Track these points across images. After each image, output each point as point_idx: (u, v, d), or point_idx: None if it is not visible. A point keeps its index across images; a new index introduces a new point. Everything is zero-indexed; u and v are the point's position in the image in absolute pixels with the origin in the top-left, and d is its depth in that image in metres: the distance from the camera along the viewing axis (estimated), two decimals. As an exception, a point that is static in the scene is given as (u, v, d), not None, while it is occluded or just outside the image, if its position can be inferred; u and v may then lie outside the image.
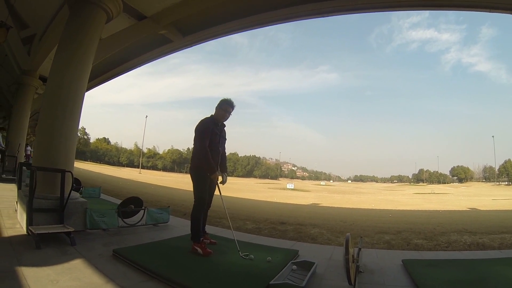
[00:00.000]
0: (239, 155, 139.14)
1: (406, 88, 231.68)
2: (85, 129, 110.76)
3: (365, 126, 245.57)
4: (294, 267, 3.49)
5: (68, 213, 4.50)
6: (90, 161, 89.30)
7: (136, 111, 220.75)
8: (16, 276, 2.74)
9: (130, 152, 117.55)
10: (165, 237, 4.69)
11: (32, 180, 4.26)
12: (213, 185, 4.39)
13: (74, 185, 8.60)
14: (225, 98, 4.43)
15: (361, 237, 4.29)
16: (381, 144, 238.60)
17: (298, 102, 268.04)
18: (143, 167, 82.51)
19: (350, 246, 2.99)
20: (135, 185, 22.06)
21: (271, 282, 2.99)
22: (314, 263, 3.55)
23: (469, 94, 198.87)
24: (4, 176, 9.88)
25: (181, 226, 5.58)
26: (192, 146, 4.44)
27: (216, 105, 4.43)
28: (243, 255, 3.82)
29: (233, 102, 4.45)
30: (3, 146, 11.69)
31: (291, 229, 6.85)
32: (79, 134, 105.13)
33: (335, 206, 19.14)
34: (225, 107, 4.40)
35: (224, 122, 4.52)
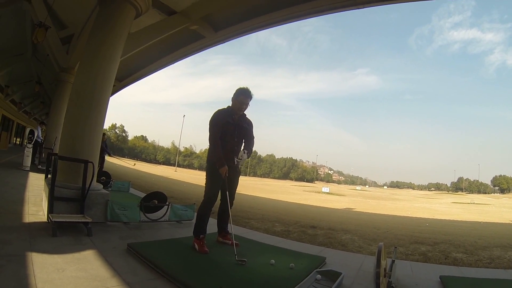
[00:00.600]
0: (276, 157, 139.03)
1: (447, 91, 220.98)
2: (123, 126, 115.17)
3: (404, 131, 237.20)
4: (319, 276, 3.14)
5: (89, 204, 4.47)
6: (128, 158, 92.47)
7: (175, 110, 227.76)
8: (24, 260, 2.71)
9: (167, 150, 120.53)
10: (186, 234, 4.44)
11: (54, 169, 4.29)
12: (233, 181, 4.16)
13: (104, 178, 8.91)
14: (242, 87, 4.10)
15: (395, 247, 3.85)
16: (419, 150, 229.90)
17: (337, 105, 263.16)
18: (179, 166, 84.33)
19: (383, 257, 2.62)
20: (168, 182, 22.33)
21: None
22: (341, 273, 3.17)
23: None
24: (40, 167, 10.43)
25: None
26: None
27: (233, 95, 4.12)
28: (239, 260, 3.45)
29: (250, 92, 4.09)
30: (42, 139, 12.21)
31: (321, 233, 6.50)
32: (117, 132, 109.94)
33: (369, 211, 18.51)
34: (242, 98, 4.06)
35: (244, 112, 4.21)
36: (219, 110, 4.10)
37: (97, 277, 2.64)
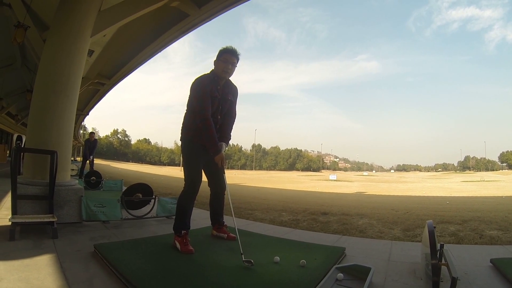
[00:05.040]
0: (281, 149, 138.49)
1: (449, 71, 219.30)
2: (125, 131, 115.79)
3: (407, 113, 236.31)
4: (340, 275, 2.33)
5: (59, 202, 3.93)
6: (132, 162, 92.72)
7: (176, 111, 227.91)
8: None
9: (171, 151, 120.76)
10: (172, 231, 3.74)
11: (14, 163, 3.73)
12: (217, 166, 3.29)
13: (94, 178, 8.30)
14: (225, 46, 3.27)
15: (434, 226, 2.96)
16: (424, 131, 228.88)
17: (339, 93, 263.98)
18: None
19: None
20: (169, 179, 21.74)
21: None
22: (370, 268, 2.38)
23: None
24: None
25: (200, 219, 4.54)
26: None
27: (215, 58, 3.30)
28: (246, 260, 2.63)
29: (235, 50, 3.25)
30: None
31: (334, 220, 5.76)
32: (120, 137, 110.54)
33: (382, 194, 17.74)
34: (225, 56, 3.21)
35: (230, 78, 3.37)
36: (203, 76, 3.26)
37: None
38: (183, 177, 3.26)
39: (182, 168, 3.33)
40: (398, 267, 2.81)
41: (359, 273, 2.38)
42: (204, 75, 3.26)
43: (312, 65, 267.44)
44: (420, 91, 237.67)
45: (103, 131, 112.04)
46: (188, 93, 3.28)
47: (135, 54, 10.87)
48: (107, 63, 10.90)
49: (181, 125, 3.34)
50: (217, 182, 3.50)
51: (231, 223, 3.43)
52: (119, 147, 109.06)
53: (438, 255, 1.89)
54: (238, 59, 3.29)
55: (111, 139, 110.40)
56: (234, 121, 3.53)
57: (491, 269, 2.72)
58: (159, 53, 10.52)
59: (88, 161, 10.81)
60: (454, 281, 1.60)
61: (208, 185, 3.55)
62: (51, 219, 3.41)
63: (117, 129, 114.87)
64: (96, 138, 11.72)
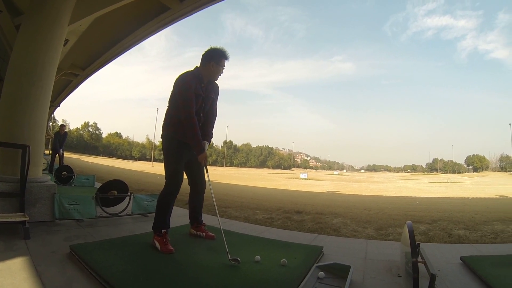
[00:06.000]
0: (252, 146, 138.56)
1: (422, 76, 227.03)
2: (96, 124, 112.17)
3: (380, 115, 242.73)
4: (322, 273, 2.39)
5: (31, 199, 3.70)
6: (102, 156, 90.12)
7: (150, 105, 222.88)
8: None
9: (142, 145, 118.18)
10: (150, 229, 3.66)
11: None
12: (199, 163, 3.28)
13: (65, 173, 8.01)
14: (218, 47, 3.23)
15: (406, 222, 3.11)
16: (395, 133, 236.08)
17: (313, 92, 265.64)
18: (155, 160, 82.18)
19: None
20: (141, 175, 21.30)
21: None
22: (349, 266, 2.46)
23: (486, 82, 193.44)
24: None
25: (176, 216, 4.43)
26: None
27: (204, 54, 3.23)
28: (232, 259, 2.66)
29: (228, 54, 3.25)
30: None
31: (308, 219, 5.81)
32: (91, 130, 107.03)
33: (354, 193, 18.10)
34: (223, 62, 3.23)
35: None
36: (187, 72, 3.20)
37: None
38: (164, 174, 3.21)
39: (164, 164, 3.24)
40: (375, 265, 2.90)
41: (339, 271, 2.46)
42: (189, 71, 3.20)
43: (288, 63, 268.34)
44: (393, 94, 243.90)
45: (73, 124, 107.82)
46: (169, 88, 3.24)
47: (112, 45, 10.60)
48: (82, 53, 10.53)
49: (162, 122, 3.27)
50: (198, 181, 3.47)
51: (210, 221, 3.42)
52: (90, 141, 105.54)
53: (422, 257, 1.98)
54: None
55: (81, 132, 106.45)
56: (215, 119, 3.51)
57: (461, 266, 2.90)
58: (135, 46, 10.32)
59: (58, 155, 10.40)
60: (433, 277, 1.72)
61: (189, 184, 3.50)
62: (23, 218, 3.20)
63: (88, 122, 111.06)
64: (66, 130, 11.29)
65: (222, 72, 3.30)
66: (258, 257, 2.74)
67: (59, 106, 18.59)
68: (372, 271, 2.74)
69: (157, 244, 2.92)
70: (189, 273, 2.41)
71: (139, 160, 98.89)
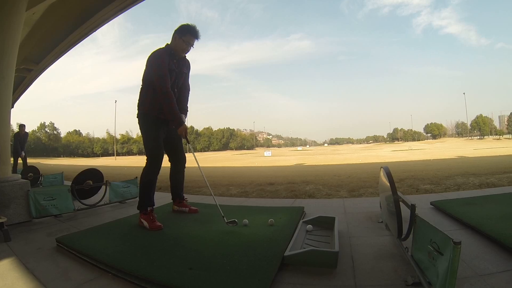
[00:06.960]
0: (214, 129, 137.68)
1: (379, 51, 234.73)
2: (53, 124, 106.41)
3: (339, 90, 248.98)
4: (310, 226, 2.56)
5: (4, 200, 3.49)
6: (64, 157, 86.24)
7: (108, 98, 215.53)
8: None
9: (104, 141, 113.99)
10: (132, 213, 3.65)
11: None
12: (178, 138, 3.41)
13: (31, 174, 7.65)
14: (188, 23, 3.25)
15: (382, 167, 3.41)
16: (355, 106, 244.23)
17: (272, 71, 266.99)
18: (118, 154, 79.82)
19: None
20: (107, 168, 20.64)
21: (286, 253, 2.02)
22: (334, 218, 2.62)
23: (441, 55, 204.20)
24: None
25: (156, 199, 4.49)
26: None
27: (174, 32, 3.26)
28: (229, 221, 2.82)
29: (198, 32, 3.28)
30: None
31: (282, 188, 6.00)
32: (48, 130, 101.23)
33: (321, 164, 18.66)
34: (188, 37, 3.23)
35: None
36: (159, 49, 3.21)
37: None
38: (145, 152, 3.23)
39: (143, 142, 3.26)
40: (355, 217, 3.15)
41: (325, 223, 2.63)
42: (161, 49, 3.22)
43: (245, 44, 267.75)
44: (351, 70, 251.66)
45: (29, 126, 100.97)
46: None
47: (68, 34, 9.86)
48: (36, 45, 9.82)
49: (137, 102, 3.26)
50: (178, 156, 3.52)
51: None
52: (48, 142, 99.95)
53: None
54: (198, 40, 3.33)
55: (38, 134, 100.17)
56: (189, 93, 3.55)
57: (432, 209, 3.32)
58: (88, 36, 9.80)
59: (20, 158, 9.86)
60: (413, 207, 1.91)
61: (169, 160, 3.54)
62: (1, 220, 3.03)
63: (45, 123, 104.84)
64: (27, 131, 10.69)
65: (189, 50, 3.32)
66: (246, 221, 2.87)
67: (12, 107, 17.43)
68: (354, 221, 2.97)
69: (145, 223, 2.94)
70: (184, 243, 2.45)
71: (101, 156, 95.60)
